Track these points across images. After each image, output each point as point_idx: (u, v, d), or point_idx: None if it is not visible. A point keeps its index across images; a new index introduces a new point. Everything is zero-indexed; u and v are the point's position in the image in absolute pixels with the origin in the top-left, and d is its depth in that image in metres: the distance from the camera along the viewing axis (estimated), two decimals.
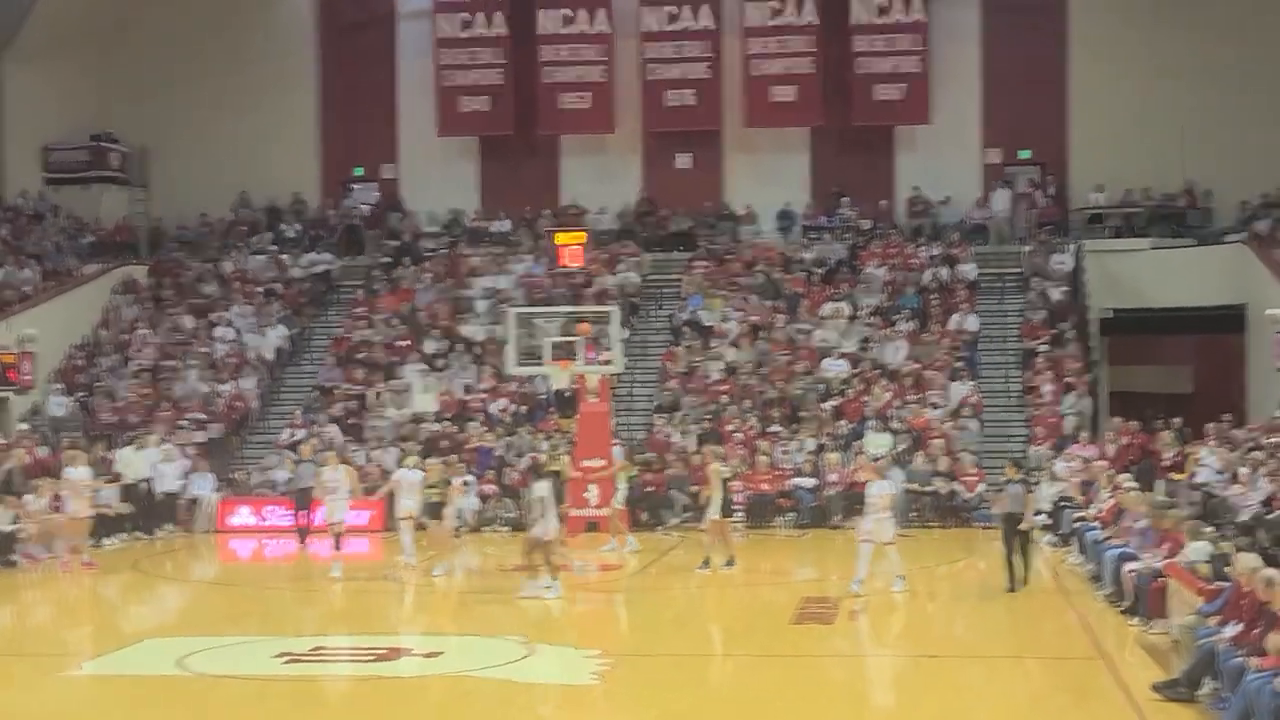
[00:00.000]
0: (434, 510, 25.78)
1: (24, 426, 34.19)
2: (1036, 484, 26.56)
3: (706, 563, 25.08)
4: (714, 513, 25.01)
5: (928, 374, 34.46)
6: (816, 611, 21.08)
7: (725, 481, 25.16)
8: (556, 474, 28.81)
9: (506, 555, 28.39)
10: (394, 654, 18.73)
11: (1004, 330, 36.77)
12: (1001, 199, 40.05)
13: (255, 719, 16.10)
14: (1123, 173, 38.98)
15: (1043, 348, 35.21)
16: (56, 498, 27.25)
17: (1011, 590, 22.03)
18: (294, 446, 33.52)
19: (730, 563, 25.08)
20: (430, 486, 25.69)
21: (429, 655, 18.94)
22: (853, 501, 30.85)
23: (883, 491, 22.66)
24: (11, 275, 38.39)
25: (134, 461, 31.91)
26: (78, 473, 26.90)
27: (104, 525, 29.20)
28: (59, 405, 35.79)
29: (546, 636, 19.87)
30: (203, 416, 35.47)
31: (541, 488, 22.59)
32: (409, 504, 25.25)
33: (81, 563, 26.31)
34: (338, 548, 25.10)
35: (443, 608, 22.53)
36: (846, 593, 22.12)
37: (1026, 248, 38.74)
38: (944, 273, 37.81)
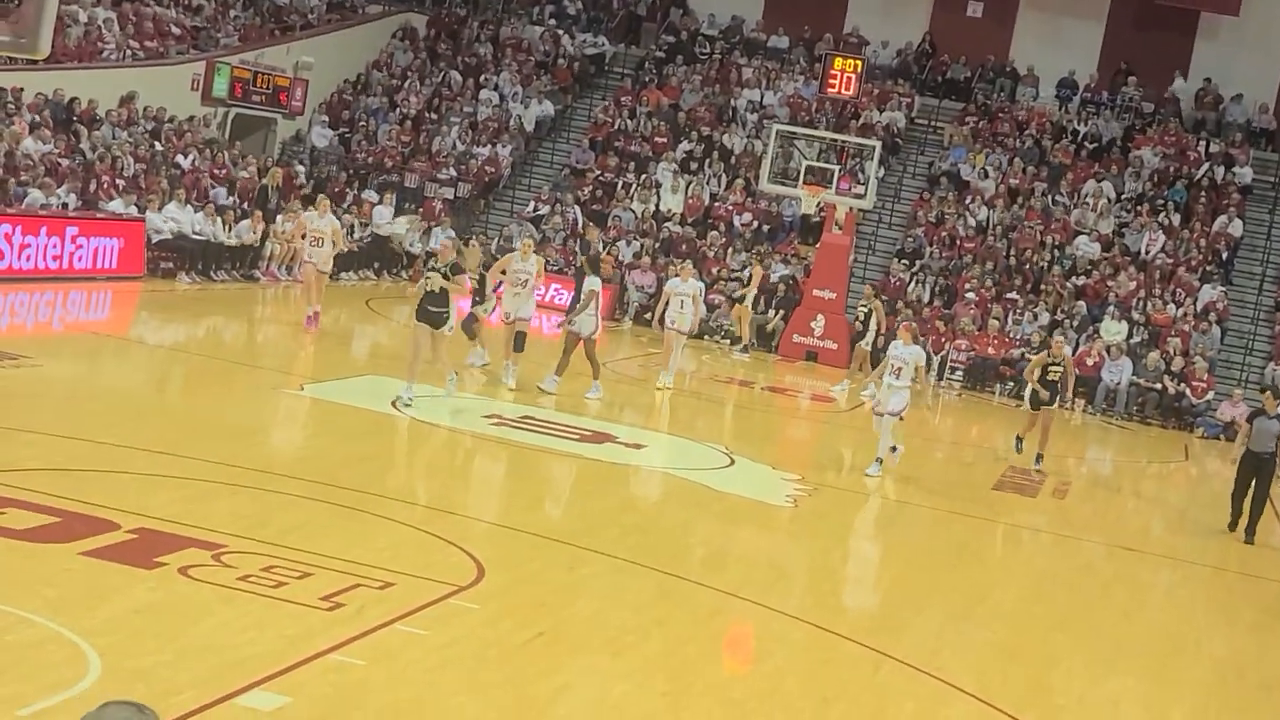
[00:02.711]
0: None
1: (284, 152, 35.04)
2: None
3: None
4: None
5: (1179, 272, 33.60)
6: (1019, 482, 20.95)
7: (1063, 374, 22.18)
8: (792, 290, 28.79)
9: (723, 366, 28.69)
10: (599, 438, 19.04)
11: (1268, 242, 35.61)
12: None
13: (453, 467, 16.59)
14: None
15: None
16: (302, 232, 25.76)
17: (1232, 529, 19.46)
18: (537, 221, 33.99)
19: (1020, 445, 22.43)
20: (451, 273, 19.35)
21: (633, 446, 19.24)
22: (1076, 384, 30.43)
23: (905, 356, 19.18)
24: (299, 1, 39.02)
25: (379, 208, 32.67)
26: (322, 221, 24.99)
27: (342, 261, 29.30)
28: (322, 136, 36.56)
29: (750, 452, 20.05)
30: (455, 174, 36.04)
31: (593, 282, 21.42)
32: (684, 316, 23.98)
33: (307, 317, 24.32)
34: (519, 348, 21.51)
35: (656, 406, 22.77)
36: (1033, 468, 21.77)
37: None
38: (1218, 172, 36.64)
